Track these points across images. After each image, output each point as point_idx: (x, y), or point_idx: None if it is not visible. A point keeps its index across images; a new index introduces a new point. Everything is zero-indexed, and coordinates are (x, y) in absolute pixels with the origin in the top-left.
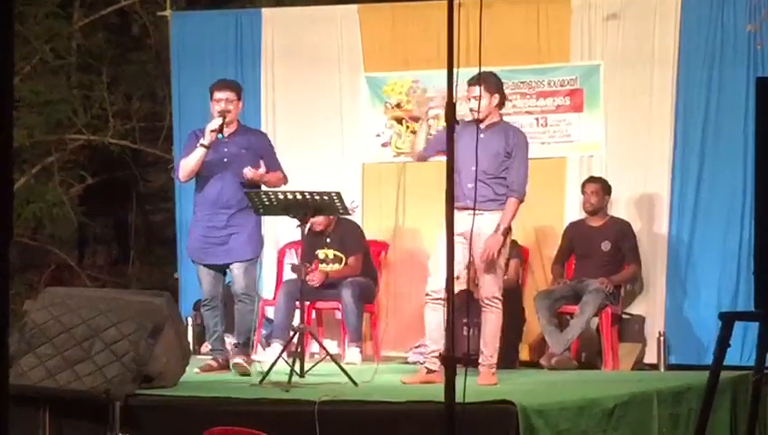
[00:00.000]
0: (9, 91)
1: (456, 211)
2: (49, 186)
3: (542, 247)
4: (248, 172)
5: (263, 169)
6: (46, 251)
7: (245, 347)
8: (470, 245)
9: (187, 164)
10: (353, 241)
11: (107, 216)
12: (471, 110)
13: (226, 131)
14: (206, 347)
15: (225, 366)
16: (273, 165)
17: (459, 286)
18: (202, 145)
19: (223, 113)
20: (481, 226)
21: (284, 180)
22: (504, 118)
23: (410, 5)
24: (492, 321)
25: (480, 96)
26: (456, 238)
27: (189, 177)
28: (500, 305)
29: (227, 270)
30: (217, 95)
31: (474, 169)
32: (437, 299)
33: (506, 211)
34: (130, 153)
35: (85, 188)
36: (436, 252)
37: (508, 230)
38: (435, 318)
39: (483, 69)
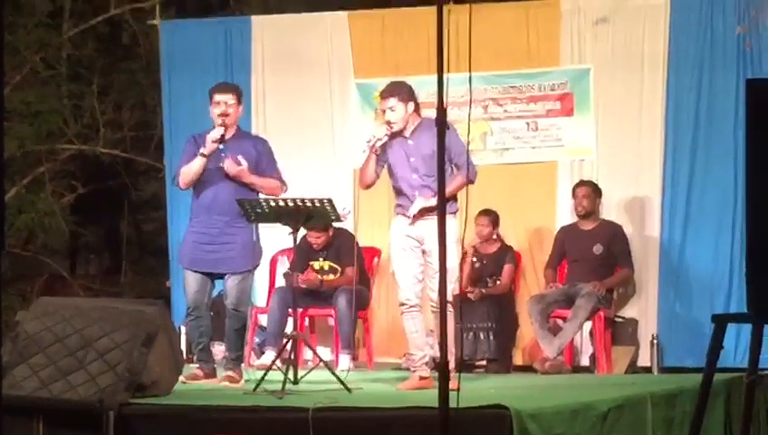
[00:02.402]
0: None
1: (406, 218)
2: (40, 196)
3: (534, 252)
4: (229, 167)
5: (244, 165)
6: (39, 261)
7: (236, 361)
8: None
9: (188, 173)
10: (349, 253)
11: (99, 225)
12: (388, 122)
13: (226, 136)
14: None
15: (211, 375)
16: (270, 171)
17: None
18: (202, 154)
19: (222, 117)
20: (436, 231)
21: (281, 188)
22: (491, 122)
23: (400, 12)
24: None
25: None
26: (411, 243)
27: (189, 185)
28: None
29: (219, 280)
30: (217, 98)
31: (415, 176)
32: (412, 307)
33: (451, 186)
34: (122, 162)
35: (77, 198)
36: (395, 262)
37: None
38: (414, 326)
39: (398, 78)
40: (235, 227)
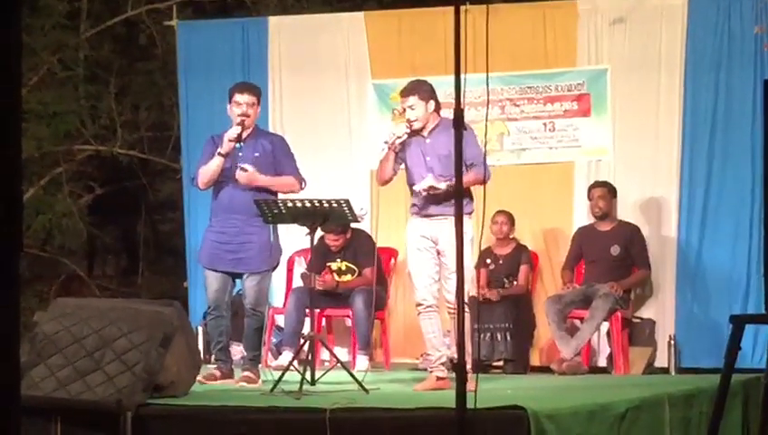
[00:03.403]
0: (17, 103)
1: (421, 218)
2: (58, 197)
3: (551, 252)
4: (239, 178)
5: (250, 169)
6: (56, 262)
7: (254, 362)
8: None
9: (206, 172)
10: (366, 254)
11: (116, 226)
12: (408, 120)
13: (243, 135)
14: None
15: (228, 376)
16: (286, 169)
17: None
18: (219, 154)
19: (243, 117)
20: (450, 231)
21: (298, 185)
22: (508, 123)
23: (416, 12)
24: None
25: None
26: (426, 243)
27: (209, 185)
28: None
29: (239, 279)
30: (238, 98)
31: (430, 175)
32: (428, 308)
33: (467, 179)
34: (139, 163)
35: (94, 199)
36: (411, 263)
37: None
38: (431, 326)
39: (418, 77)
40: (253, 226)
